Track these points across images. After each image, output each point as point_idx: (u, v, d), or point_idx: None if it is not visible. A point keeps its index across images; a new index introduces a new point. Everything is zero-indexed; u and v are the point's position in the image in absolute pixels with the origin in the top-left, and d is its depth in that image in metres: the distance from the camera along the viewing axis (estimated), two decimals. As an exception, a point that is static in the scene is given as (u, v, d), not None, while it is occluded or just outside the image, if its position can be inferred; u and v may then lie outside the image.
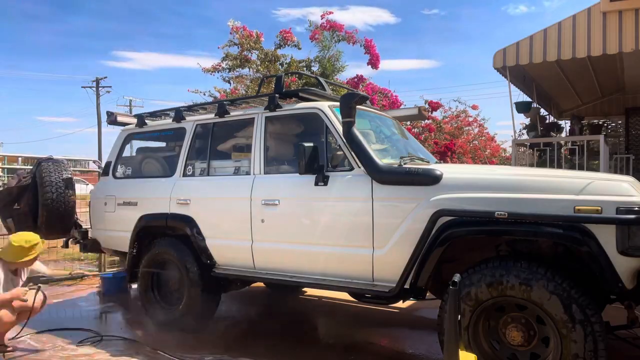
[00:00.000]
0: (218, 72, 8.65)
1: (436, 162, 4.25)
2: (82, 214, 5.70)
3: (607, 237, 2.62)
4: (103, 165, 5.33)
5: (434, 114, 11.05)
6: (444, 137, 11.41)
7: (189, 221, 4.21)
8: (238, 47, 8.38)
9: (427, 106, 9.85)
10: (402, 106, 8.66)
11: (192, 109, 4.83)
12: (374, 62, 8.37)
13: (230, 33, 8.31)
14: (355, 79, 8.59)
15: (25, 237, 3.99)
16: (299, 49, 8.36)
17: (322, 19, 8.21)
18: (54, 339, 4.18)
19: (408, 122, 9.25)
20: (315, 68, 8.45)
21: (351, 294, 3.82)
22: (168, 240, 4.42)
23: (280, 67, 8.40)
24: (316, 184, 3.56)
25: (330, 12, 8.20)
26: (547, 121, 8.83)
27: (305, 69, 8.36)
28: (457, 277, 2.49)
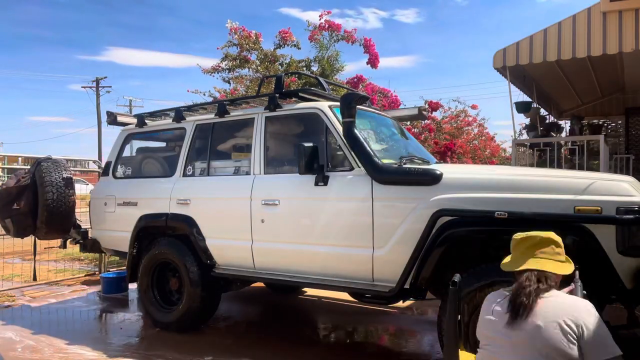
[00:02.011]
0: (218, 72, 8.65)
1: (436, 162, 4.25)
2: (82, 214, 5.70)
3: (607, 237, 2.62)
4: (103, 165, 5.33)
5: (434, 114, 11.05)
6: (443, 137, 11.40)
7: (189, 221, 4.21)
8: (237, 48, 8.38)
9: (426, 106, 9.85)
10: (401, 106, 8.67)
11: (192, 109, 4.83)
12: (373, 61, 8.37)
13: (229, 34, 8.33)
14: (355, 79, 8.59)
15: None
16: (299, 48, 8.36)
17: (320, 19, 8.21)
18: (52, 340, 4.17)
19: (408, 122, 9.24)
20: (314, 68, 8.44)
21: (351, 294, 3.82)
22: (168, 240, 4.42)
23: (280, 67, 8.40)
24: (316, 184, 3.55)
25: (329, 12, 8.21)
26: (547, 121, 8.82)
27: (305, 68, 8.35)
28: (457, 277, 2.49)
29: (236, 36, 8.28)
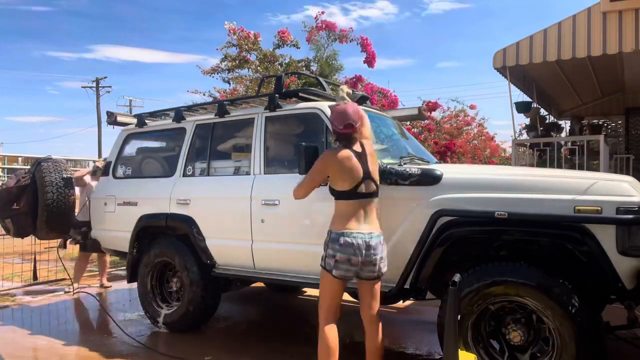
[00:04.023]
0: (217, 73, 8.67)
1: (436, 162, 4.25)
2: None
3: (607, 237, 2.62)
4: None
5: (432, 114, 11.07)
6: (443, 136, 11.42)
7: (189, 221, 4.20)
8: (236, 49, 8.40)
9: (424, 106, 9.86)
10: (400, 106, 8.67)
11: (192, 109, 4.82)
12: (369, 61, 8.38)
13: (228, 35, 8.35)
14: (354, 79, 8.59)
15: None
16: (298, 48, 8.37)
17: (316, 20, 8.23)
18: (52, 340, 4.18)
19: (407, 122, 9.25)
20: (314, 68, 8.44)
21: (351, 294, 3.82)
22: (168, 240, 4.42)
23: (279, 67, 8.40)
24: (316, 184, 3.55)
25: (322, 12, 8.25)
26: (547, 121, 8.83)
27: (304, 68, 8.35)
28: (457, 277, 2.50)
29: (235, 37, 8.29)
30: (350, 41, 8.24)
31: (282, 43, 8.32)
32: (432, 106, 10.44)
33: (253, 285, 5.34)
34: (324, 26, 8.15)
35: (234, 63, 8.44)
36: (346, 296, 4.44)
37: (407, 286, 3.16)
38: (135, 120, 5.10)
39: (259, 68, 8.41)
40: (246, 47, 8.28)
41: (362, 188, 2.82)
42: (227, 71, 8.62)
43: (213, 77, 8.73)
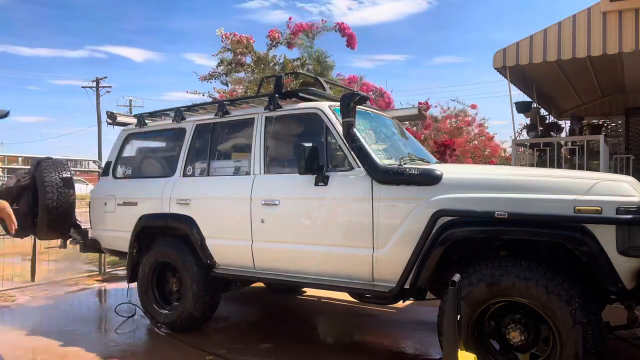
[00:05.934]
0: (215, 78, 8.74)
1: (436, 162, 4.25)
2: (82, 214, 5.69)
3: (607, 237, 2.62)
4: (103, 165, 5.32)
5: (431, 113, 11.13)
6: (441, 135, 11.45)
7: (189, 221, 4.20)
8: (231, 53, 8.46)
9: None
10: (395, 107, 8.71)
11: (192, 109, 4.83)
12: (351, 43, 8.46)
13: (222, 41, 8.41)
14: (348, 81, 8.68)
15: None
16: (290, 49, 8.44)
17: (288, 29, 8.31)
18: (51, 340, 4.17)
19: (407, 123, 9.27)
20: (310, 67, 8.48)
21: (351, 294, 3.82)
22: (168, 240, 4.42)
23: (275, 68, 8.45)
24: (316, 184, 3.55)
25: (290, 19, 8.39)
26: (547, 121, 8.83)
27: (300, 67, 8.39)
28: (457, 277, 2.50)
29: (228, 42, 8.36)
30: (327, 31, 8.32)
31: (275, 43, 8.39)
32: (426, 107, 10.52)
33: (253, 285, 5.33)
34: (297, 30, 8.26)
35: (230, 67, 8.51)
36: (346, 296, 4.46)
37: (407, 286, 3.16)
38: (135, 120, 5.11)
39: (255, 70, 8.47)
40: (240, 50, 8.34)
41: None
42: (224, 75, 8.69)
43: (210, 82, 8.81)
